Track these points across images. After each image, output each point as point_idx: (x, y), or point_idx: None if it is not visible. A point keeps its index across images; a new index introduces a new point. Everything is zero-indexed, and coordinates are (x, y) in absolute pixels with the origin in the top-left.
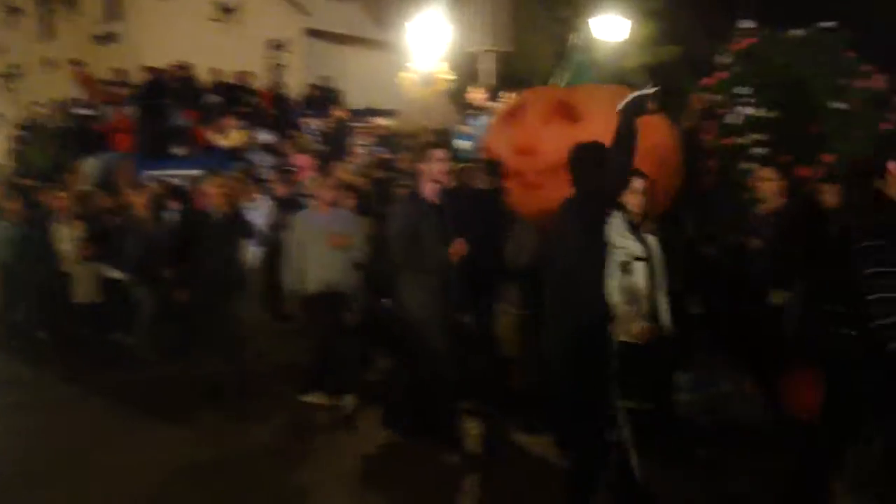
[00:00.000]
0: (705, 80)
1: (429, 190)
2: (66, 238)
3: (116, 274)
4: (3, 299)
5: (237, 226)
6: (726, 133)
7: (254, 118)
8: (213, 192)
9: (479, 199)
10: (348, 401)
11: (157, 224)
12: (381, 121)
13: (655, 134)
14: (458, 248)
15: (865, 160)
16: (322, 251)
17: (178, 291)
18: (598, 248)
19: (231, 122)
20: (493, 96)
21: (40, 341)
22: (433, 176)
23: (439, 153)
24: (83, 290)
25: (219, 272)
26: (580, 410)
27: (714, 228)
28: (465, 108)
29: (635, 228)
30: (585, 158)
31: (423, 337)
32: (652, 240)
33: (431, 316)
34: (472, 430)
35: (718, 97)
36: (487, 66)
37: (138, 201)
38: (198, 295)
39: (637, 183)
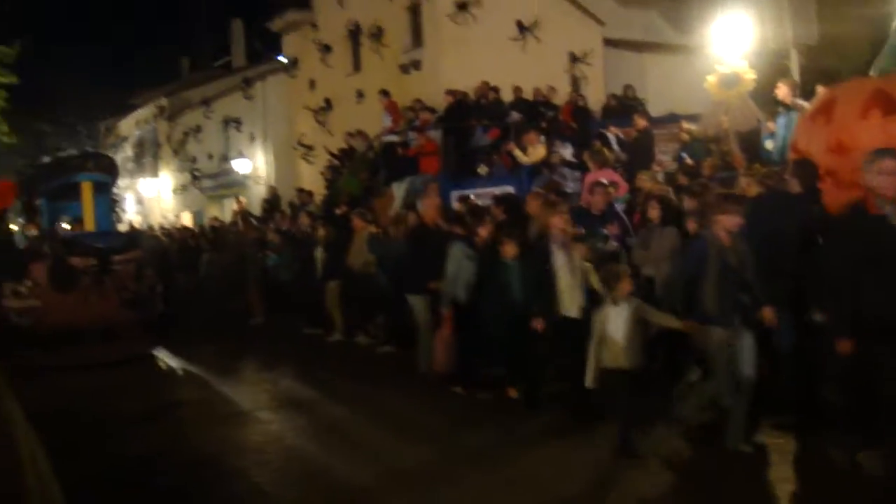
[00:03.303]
0: None
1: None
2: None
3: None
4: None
5: None
6: None
7: (554, 132)
8: None
9: (791, 203)
10: None
11: None
12: (685, 126)
13: None
14: None
15: None
16: None
17: None
18: None
19: (532, 137)
20: (800, 93)
21: None
22: (728, 226)
23: (731, 208)
24: None
25: None
26: None
27: None
28: (770, 107)
29: None
30: None
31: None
32: None
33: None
34: (781, 444)
35: None
36: (792, 62)
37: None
38: None
39: None
